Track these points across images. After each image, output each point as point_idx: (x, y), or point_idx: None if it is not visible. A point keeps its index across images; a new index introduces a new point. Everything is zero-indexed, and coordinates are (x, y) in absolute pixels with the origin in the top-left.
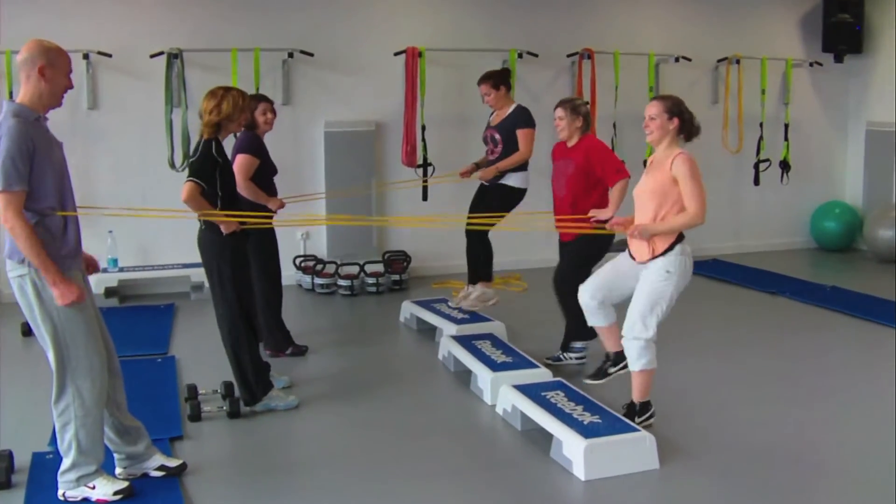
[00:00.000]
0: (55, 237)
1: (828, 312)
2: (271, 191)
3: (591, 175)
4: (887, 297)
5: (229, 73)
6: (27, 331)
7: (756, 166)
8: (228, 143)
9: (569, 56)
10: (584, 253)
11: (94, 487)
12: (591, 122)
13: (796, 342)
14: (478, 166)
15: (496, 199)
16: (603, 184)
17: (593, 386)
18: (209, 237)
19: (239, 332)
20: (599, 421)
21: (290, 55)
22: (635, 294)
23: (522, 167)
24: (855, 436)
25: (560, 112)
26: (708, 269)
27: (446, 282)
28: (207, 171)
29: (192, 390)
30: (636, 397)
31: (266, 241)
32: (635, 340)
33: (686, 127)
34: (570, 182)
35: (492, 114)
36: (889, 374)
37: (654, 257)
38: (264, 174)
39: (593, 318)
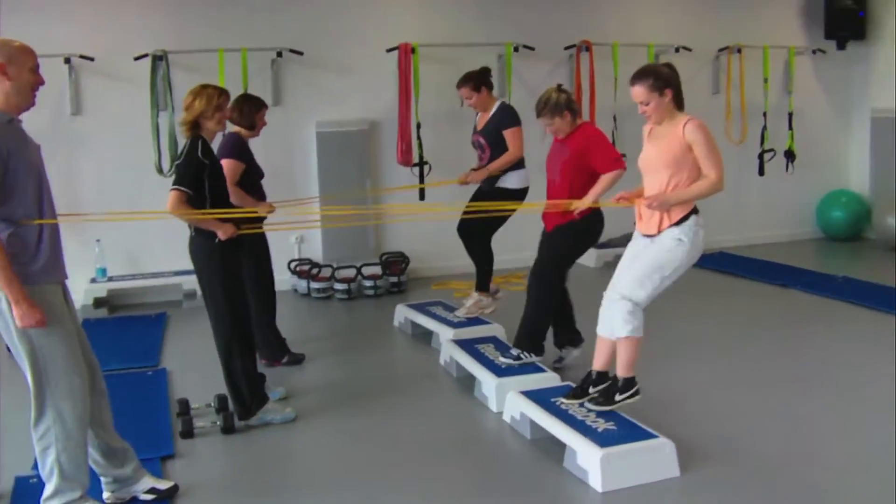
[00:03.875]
0: (29, 248)
1: (841, 304)
2: (259, 195)
3: (586, 163)
4: None
5: (216, 74)
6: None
7: (760, 156)
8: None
9: (566, 49)
10: (565, 243)
11: None
12: (575, 103)
13: (813, 337)
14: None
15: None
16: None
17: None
18: (200, 242)
19: (232, 341)
20: (615, 428)
21: (279, 55)
22: (639, 260)
23: (518, 166)
24: (882, 436)
25: (545, 120)
26: (715, 262)
27: (447, 282)
28: (192, 175)
29: (184, 405)
30: (621, 371)
31: (257, 246)
32: (624, 301)
33: (678, 91)
34: (565, 167)
35: (477, 116)
36: None
37: (670, 226)
38: (251, 178)
39: (604, 323)
